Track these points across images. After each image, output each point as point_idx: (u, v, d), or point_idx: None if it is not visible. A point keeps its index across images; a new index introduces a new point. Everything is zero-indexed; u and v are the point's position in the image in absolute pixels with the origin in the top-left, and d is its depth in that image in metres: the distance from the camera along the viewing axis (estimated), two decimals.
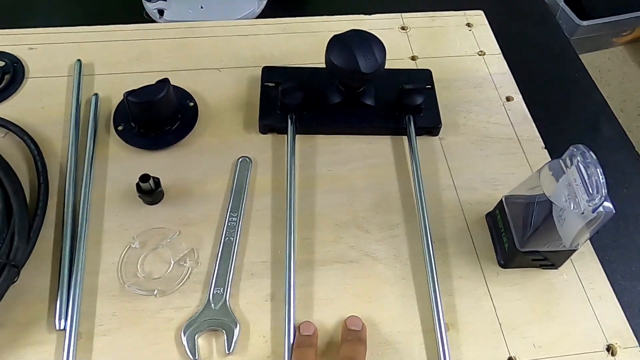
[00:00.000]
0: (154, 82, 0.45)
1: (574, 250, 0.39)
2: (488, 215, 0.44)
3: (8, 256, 0.37)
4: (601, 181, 0.33)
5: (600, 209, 0.34)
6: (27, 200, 0.41)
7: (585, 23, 1.48)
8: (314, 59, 0.52)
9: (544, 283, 0.41)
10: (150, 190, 0.42)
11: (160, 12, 0.59)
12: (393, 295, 0.39)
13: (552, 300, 0.40)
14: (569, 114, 0.54)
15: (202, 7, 0.59)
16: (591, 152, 0.34)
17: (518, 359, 0.37)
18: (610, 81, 1.61)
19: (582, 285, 0.41)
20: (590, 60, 1.64)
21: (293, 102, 0.46)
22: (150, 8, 0.59)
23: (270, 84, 0.50)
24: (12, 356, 0.35)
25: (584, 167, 0.34)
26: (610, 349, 0.38)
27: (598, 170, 0.34)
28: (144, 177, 0.41)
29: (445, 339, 0.37)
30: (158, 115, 0.45)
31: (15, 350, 0.36)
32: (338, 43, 0.44)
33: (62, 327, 0.36)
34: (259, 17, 0.61)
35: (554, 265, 0.41)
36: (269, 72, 0.51)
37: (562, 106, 0.55)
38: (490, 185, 0.46)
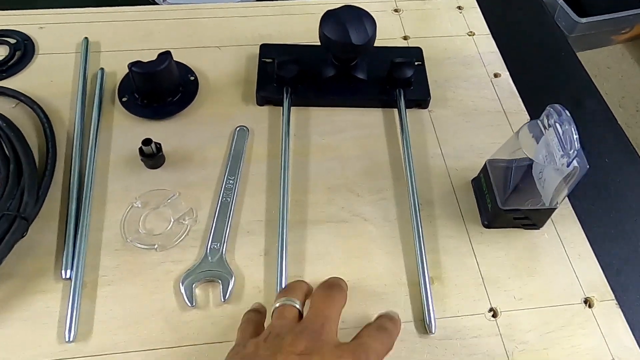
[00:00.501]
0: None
1: (554, 209, 0.41)
2: (473, 180, 0.46)
3: (19, 210, 0.39)
4: (574, 137, 0.35)
5: (575, 163, 0.36)
6: (37, 164, 0.44)
7: (583, 20, 1.50)
8: (309, 39, 0.55)
9: (526, 242, 0.43)
10: (151, 154, 0.44)
11: None
12: (381, 252, 0.42)
13: (533, 257, 0.42)
14: (555, 90, 0.56)
15: None
16: (566, 111, 0.37)
17: (499, 309, 0.39)
18: (610, 78, 1.63)
19: (563, 245, 0.43)
20: (589, 58, 1.66)
21: (288, 75, 0.49)
22: None
23: (267, 60, 0.52)
24: (22, 303, 0.38)
25: (559, 124, 0.36)
26: (587, 302, 0.40)
27: (572, 127, 0.36)
28: (146, 141, 0.44)
29: (429, 290, 0.39)
30: (160, 86, 0.48)
31: (24, 298, 0.38)
32: (331, 17, 0.46)
33: (68, 277, 0.39)
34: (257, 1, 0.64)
35: (535, 226, 0.43)
36: (266, 49, 0.53)
37: (548, 82, 0.57)
38: (476, 154, 0.48)
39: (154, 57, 0.48)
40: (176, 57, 0.49)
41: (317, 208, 0.44)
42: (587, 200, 0.46)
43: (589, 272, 0.41)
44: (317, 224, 0.43)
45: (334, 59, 0.50)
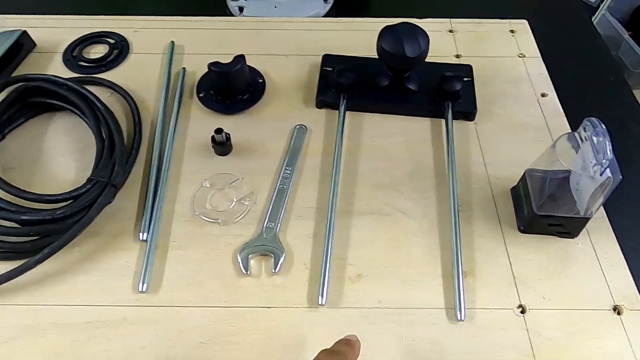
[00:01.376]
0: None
1: (588, 219, 0.43)
2: (512, 188, 0.49)
3: (110, 177, 0.46)
4: (608, 148, 0.38)
5: (608, 173, 0.38)
6: (125, 142, 0.51)
7: None
8: (367, 52, 0.60)
9: (559, 249, 0.45)
10: (221, 142, 0.50)
11: (240, 9, 0.69)
12: (418, 245, 0.45)
13: (566, 263, 0.44)
14: (601, 112, 0.58)
15: (275, 7, 0.69)
16: (602, 124, 0.39)
17: (527, 306, 0.41)
18: None
19: (596, 254, 0.45)
20: None
21: (346, 82, 0.54)
22: (232, 5, 0.69)
23: (328, 68, 0.58)
24: (105, 257, 0.44)
25: (595, 135, 0.39)
26: (616, 309, 0.41)
27: (606, 139, 0.38)
28: (218, 130, 0.50)
29: (461, 281, 0.42)
30: (233, 85, 0.54)
31: (107, 253, 0.45)
32: (389, 31, 0.51)
33: (144, 239, 0.45)
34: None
35: (570, 234, 0.45)
36: (327, 59, 0.59)
37: (595, 106, 0.59)
38: (518, 166, 0.50)
39: (226, 60, 0.55)
40: (248, 61, 0.56)
41: (363, 201, 0.48)
42: (624, 215, 0.47)
43: (620, 281, 0.43)
44: (361, 214, 0.47)
45: (388, 70, 0.54)
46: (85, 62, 0.60)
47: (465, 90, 0.54)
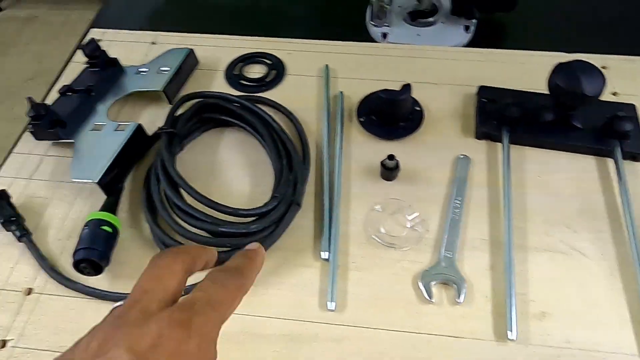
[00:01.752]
0: (385, 88, 0.56)
1: None
2: None
3: (294, 195, 0.48)
4: None
5: None
6: None
7: None
8: (519, 84, 0.60)
9: None
10: (392, 168, 0.52)
11: (384, 35, 0.71)
12: (601, 287, 0.45)
13: None
14: None
15: (418, 35, 0.71)
16: None
17: None
18: None
19: None
20: None
21: (511, 115, 0.54)
22: (375, 32, 0.71)
23: (485, 100, 0.58)
24: (290, 272, 0.46)
25: None
26: None
27: None
28: (391, 157, 0.51)
29: None
30: (398, 112, 0.56)
31: (291, 269, 0.47)
32: (564, 68, 0.51)
33: (326, 258, 0.47)
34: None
35: None
36: (485, 90, 0.59)
37: None
38: None
39: (381, 86, 0.57)
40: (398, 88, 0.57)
41: (536, 236, 0.48)
42: None
43: None
44: (537, 250, 0.47)
45: (555, 106, 0.54)
46: (246, 80, 0.64)
47: (634, 130, 0.53)
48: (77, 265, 0.45)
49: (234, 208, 0.46)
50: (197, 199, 0.47)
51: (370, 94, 0.61)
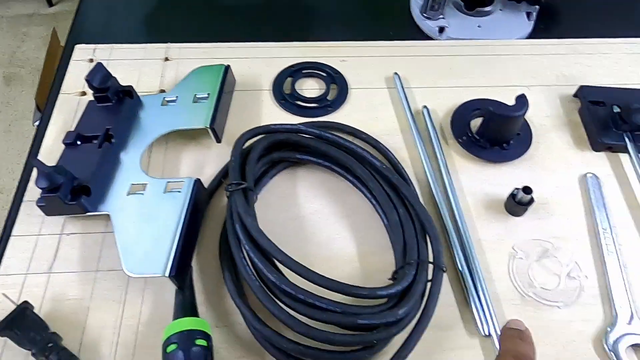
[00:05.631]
0: (462, 95, 0.48)
1: None
2: None
3: (434, 257, 0.38)
4: None
5: None
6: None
7: None
8: (605, 80, 0.53)
9: None
10: (526, 203, 0.43)
11: (441, 29, 0.60)
12: None
13: None
14: None
15: (479, 26, 0.61)
16: None
17: None
18: None
19: None
20: None
21: (637, 122, 0.47)
22: (430, 25, 0.61)
23: (592, 103, 0.50)
24: (448, 356, 0.36)
25: None
26: None
27: None
28: (527, 190, 0.42)
29: None
30: (510, 130, 0.47)
31: (447, 353, 0.37)
32: None
33: (487, 333, 0.37)
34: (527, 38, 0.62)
35: None
36: (587, 91, 0.51)
37: None
38: None
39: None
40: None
41: None
42: None
43: None
44: None
45: None
46: (303, 101, 0.51)
47: None
48: None
49: (369, 288, 0.35)
50: (316, 282, 0.35)
51: (461, 107, 0.51)
